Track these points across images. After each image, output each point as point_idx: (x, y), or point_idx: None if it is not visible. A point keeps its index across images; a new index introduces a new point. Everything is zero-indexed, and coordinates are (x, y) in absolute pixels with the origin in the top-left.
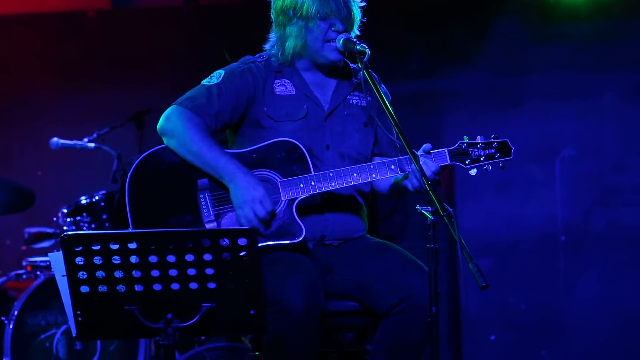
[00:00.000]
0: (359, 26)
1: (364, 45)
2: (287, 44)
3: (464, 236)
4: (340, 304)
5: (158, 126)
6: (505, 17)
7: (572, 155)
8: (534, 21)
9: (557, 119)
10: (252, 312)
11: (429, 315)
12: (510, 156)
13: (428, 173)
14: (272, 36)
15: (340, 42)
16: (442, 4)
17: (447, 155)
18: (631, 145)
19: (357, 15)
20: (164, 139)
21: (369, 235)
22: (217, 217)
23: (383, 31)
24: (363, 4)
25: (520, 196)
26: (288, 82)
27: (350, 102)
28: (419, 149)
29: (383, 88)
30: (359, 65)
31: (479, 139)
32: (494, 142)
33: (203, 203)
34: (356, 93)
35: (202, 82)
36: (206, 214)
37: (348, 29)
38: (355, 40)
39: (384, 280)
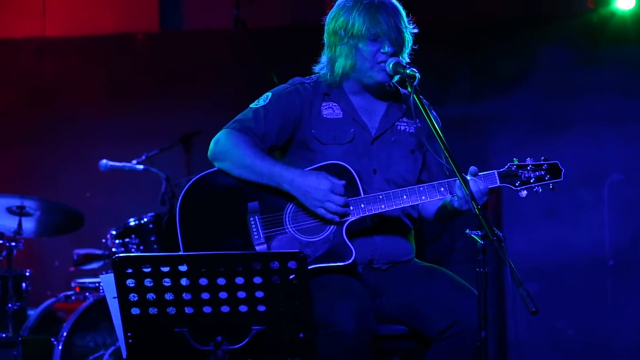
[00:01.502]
0: (410, 53)
1: (414, 69)
2: (337, 63)
3: (512, 260)
4: (389, 327)
5: (209, 152)
6: (552, 40)
7: (620, 179)
8: (581, 45)
9: (605, 143)
10: (301, 335)
11: (479, 340)
12: (561, 178)
13: (475, 190)
14: (323, 58)
15: (390, 65)
16: (489, 27)
17: (497, 177)
18: None
19: (408, 38)
20: (216, 163)
21: (417, 260)
22: (268, 240)
23: (430, 55)
24: (416, 30)
25: (568, 221)
26: (336, 105)
27: (398, 128)
28: (465, 172)
29: (433, 114)
30: (409, 89)
31: (528, 161)
32: (544, 164)
33: (253, 226)
34: (405, 119)
35: (250, 105)
36: (256, 237)
37: (397, 51)
38: (404, 64)
39: (434, 305)
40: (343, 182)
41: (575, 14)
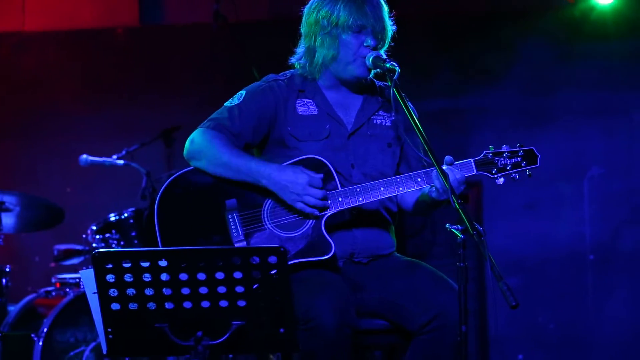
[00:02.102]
0: (387, 50)
1: (394, 63)
2: (317, 54)
3: (492, 255)
4: (369, 322)
5: (185, 152)
6: (532, 35)
7: (600, 173)
8: (561, 40)
9: (585, 137)
10: (282, 330)
11: (459, 334)
12: (537, 164)
13: (452, 180)
14: (300, 49)
15: (370, 59)
16: (470, 22)
17: (474, 166)
18: None
19: (389, 32)
20: (192, 162)
21: (397, 254)
22: (247, 237)
23: (411, 49)
24: (394, 27)
25: (548, 215)
26: (310, 102)
27: (375, 122)
28: (443, 160)
29: (410, 105)
30: (389, 82)
31: (504, 148)
32: (519, 151)
33: (232, 223)
34: (381, 112)
35: (224, 104)
36: (235, 234)
37: (379, 45)
38: (385, 58)
39: (415, 299)
40: (320, 175)
41: (556, 8)
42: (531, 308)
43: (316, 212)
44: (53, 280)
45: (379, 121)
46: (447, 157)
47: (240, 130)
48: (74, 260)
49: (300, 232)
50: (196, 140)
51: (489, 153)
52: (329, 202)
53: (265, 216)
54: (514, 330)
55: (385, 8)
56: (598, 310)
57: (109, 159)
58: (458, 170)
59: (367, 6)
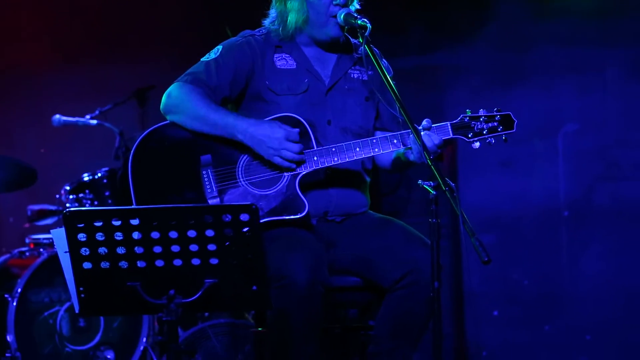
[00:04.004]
0: (360, 1)
1: (365, 19)
2: (288, 18)
3: (467, 212)
4: (343, 279)
5: (161, 106)
6: None
7: (574, 130)
8: None
9: (560, 94)
10: (254, 287)
11: (432, 290)
12: (513, 129)
13: (430, 145)
14: (272, 12)
15: (342, 16)
16: None
17: (450, 129)
18: (633, 120)
19: None
20: (168, 117)
21: (371, 212)
22: (221, 193)
23: (384, 6)
24: None
25: (523, 172)
26: (288, 57)
27: (352, 76)
28: (420, 124)
29: (385, 63)
30: (360, 39)
31: (481, 112)
32: (496, 115)
33: (206, 179)
34: (357, 67)
35: (201, 59)
36: (209, 191)
37: (348, 1)
38: (356, 14)
39: (388, 255)
40: (297, 129)
41: None
42: (506, 264)
43: (293, 166)
44: (27, 240)
45: (355, 75)
46: (425, 122)
47: (217, 84)
48: (48, 221)
49: (274, 190)
50: (173, 94)
51: (465, 117)
52: (305, 158)
53: (240, 173)
54: (489, 287)
55: None
56: (572, 266)
57: (82, 119)
58: (435, 134)
59: None
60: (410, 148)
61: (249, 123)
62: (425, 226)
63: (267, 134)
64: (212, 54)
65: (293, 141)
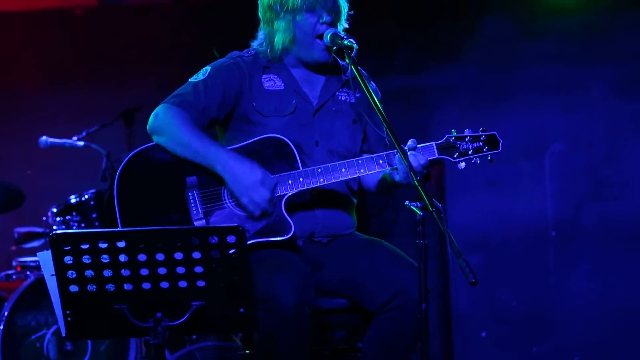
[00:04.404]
0: (347, 19)
1: (352, 40)
2: (275, 39)
3: (454, 232)
4: (330, 301)
5: (148, 126)
6: (492, 12)
7: (561, 149)
8: (520, 16)
9: (546, 113)
10: (242, 310)
11: (420, 312)
12: (499, 149)
13: (415, 165)
14: (260, 34)
15: (328, 37)
16: None
17: (435, 149)
18: (620, 139)
19: (344, 6)
20: (154, 138)
21: (358, 233)
22: (206, 215)
23: (371, 26)
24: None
25: (510, 192)
26: (276, 77)
27: (339, 98)
28: (405, 145)
29: (372, 85)
30: (347, 60)
31: (467, 132)
32: (482, 135)
33: (192, 201)
34: (345, 89)
35: (189, 80)
36: (195, 212)
37: (335, 20)
38: (342, 35)
39: (375, 277)
40: (275, 181)
41: None
42: (494, 285)
43: (257, 213)
44: (14, 263)
45: (343, 97)
46: (410, 142)
47: (205, 105)
48: (35, 243)
49: None
50: (160, 115)
51: (451, 137)
52: (290, 182)
53: (226, 195)
54: (477, 308)
55: None
56: (560, 287)
57: (69, 141)
58: (420, 154)
59: None
60: (397, 168)
61: (229, 156)
62: (413, 247)
63: (244, 172)
64: (201, 75)
65: (268, 188)
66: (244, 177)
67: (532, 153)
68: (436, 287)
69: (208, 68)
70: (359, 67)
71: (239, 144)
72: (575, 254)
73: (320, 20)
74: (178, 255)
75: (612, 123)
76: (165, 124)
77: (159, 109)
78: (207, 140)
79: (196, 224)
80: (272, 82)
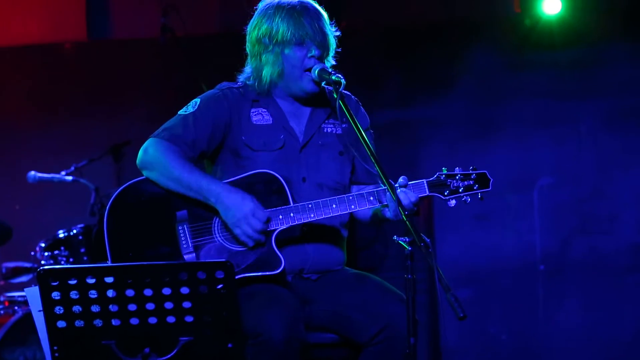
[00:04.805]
0: (334, 56)
1: (340, 75)
2: (263, 72)
3: (443, 266)
4: (319, 336)
5: (137, 160)
6: (481, 45)
7: (550, 183)
8: (509, 49)
9: (535, 147)
10: (230, 345)
11: (408, 347)
12: (489, 187)
13: (406, 202)
14: (247, 68)
15: (316, 72)
16: (419, 31)
17: (426, 187)
18: (608, 173)
19: (333, 42)
20: (144, 172)
21: (347, 268)
22: (196, 249)
23: (360, 60)
24: (338, 33)
25: (499, 226)
26: (265, 111)
27: (325, 130)
28: (396, 179)
29: (362, 110)
30: (335, 95)
31: (457, 171)
32: (472, 174)
33: (182, 235)
34: (331, 120)
35: (178, 112)
36: (185, 246)
37: (324, 54)
38: (330, 70)
39: (363, 311)
40: (267, 213)
41: (503, 18)
42: (483, 319)
43: (250, 243)
44: (1, 298)
45: (329, 129)
46: (401, 180)
47: (195, 138)
48: (23, 278)
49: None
50: (149, 150)
51: (441, 175)
52: (280, 217)
53: (216, 229)
54: (466, 342)
55: (325, 16)
56: (549, 321)
57: (57, 175)
58: (411, 191)
59: (305, 18)
60: (387, 205)
61: (222, 188)
62: (401, 281)
63: (236, 204)
64: (190, 107)
65: (259, 219)
66: (235, 208)
67: (520, 187)
68: (425, 321)
69: (197, 100)
70: (347, 93)
71: (230, 179)
72: (564, 288)
73: (309, 54)
74: (166, 291)
75: (601, 157)
76: (155, 159)
77: (148, 143)
78: (198, 173)
79: (186, 257)
80: (260, 116)
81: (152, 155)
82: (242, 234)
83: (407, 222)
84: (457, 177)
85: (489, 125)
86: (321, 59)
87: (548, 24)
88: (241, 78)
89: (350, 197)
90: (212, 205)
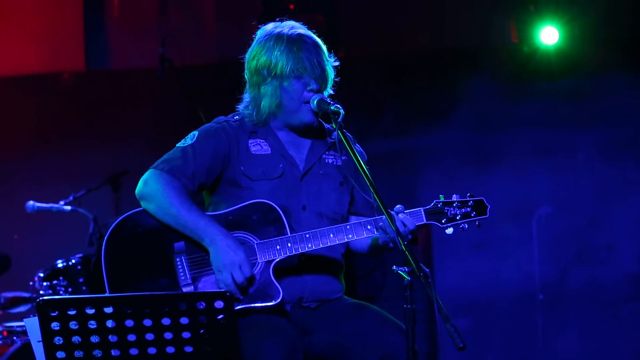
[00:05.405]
0: (333, 85)
1: (338, 105)
2: (262, 103)
3: (442, 295)
4: None
5: (136, 191)
6: (479, 74)
7: (548, 213)
8: (507, 79)
9: (533, 176)
10: None
11: None
12: (487, 214)
13: (403, 231)
14: (246, 97)
15: (315, 102)
16: (416, 62)
17: (423, 215)
18: (606, 202)
19: (331, 74)
20: (142, 203)
21: (346, 297)
22: (194, 281)
23: (359, 89)
24: (337, 63)
25: (498, 255)
26: (263, 142)
27: (326, 161)
28: (393, 209)
29: (358, 147)
30: (334, 125)
31: (454, 198)
32: (469, 201)
33: (180, 266)
34: (332, 152)
35: (177, 145)
36: (183, 278)
37: (322, 87)
38: (329, 100)
39: (363, 341)
40: (252, 271)
41: (501, 48)
42: (482, 348)
43: (233, 290)
44: (0, 328)
45: (330, 160)
46: (398, 207)
47: (195, 170)
48: (21, 308)
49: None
50: (149, 182)
51: (439, 202)
52: (278, 247)
53: None
54: None
55: (324, 48)
56: (547, 350)
57: (56, 205)
58: (408, 218)
59: (303, 53)
60: (385, 230)
61: (219, 231)
62: (401, 310)
63: (228, 251)
64: (189, 140)
65: (243, 273)
66: (226, 255)
67: (519, 216)
68: (424, 351)
69: (196, 133)
70: (344, 130)
71: (227, 209)
72: (562, 317)
73: (308, 88)
74: (165, 321)
75: (598, 187)
76: (154, 192)
77: (148, 175)
78: (195, 212)
79: (184, 289)
80: (259, 147)
81: (151, 187)
82: (222, 280)
83: (406, 253)
84: (454, 205)
85: (487, 154)
86: (319, 91)
87: (546, 53)
88: (240, 106)
89: (348, 227)
90: (205, 246)
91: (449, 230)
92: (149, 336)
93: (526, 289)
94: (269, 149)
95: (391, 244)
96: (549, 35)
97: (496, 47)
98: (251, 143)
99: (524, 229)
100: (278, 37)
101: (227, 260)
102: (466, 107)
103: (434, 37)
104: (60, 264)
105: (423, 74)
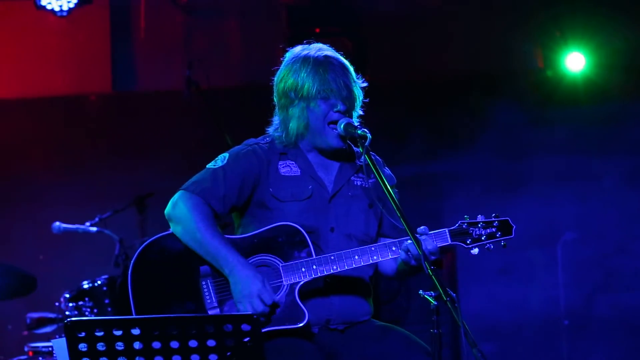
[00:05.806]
0: (361, 106)
1: (365, 129)
2: (290, 125)
3: (466, 320)
4: None
5: (165, 212)
6: (504, 100)
7: (573, 239)
8: (533, 104)
9: (558, 202)
10: None
11: None
12: (512, 234)
13: (425, 249)
14: (276, 119)
15: (342, 126)
16: (442, 87)
17: (448, 236)
18: (632, 229)
19: (359, 94)
20: (171, 225)
21: (374, 320)
22: (220, 304)
23: (385, 113)
24: (365, 84)
25: (523, 280)
26: (293, 164)
27: (355, 183)
28: (417, 229)
29: (387, 171)
30: (361, 149)
31: (479, 219)
32: (495, 221)
33: (206, 290)
34: (360, 175)
35: (207, 166)
36: (209, 301)
37: (349, 109)
38: (356, 124)
39: None
40: (274, 297)
41: (527, 73)
42: None
43: (255, 316)
44: (26, 349)
45: (359, 182)
46: (422, 228)
47: (225, 192)
48: (47, 329)
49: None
50: (179, 205)
51: (464, 223)
52: (303, 270)
53: None
54: None
55: (351, 70)
56: None
57: (82, 226)
58: (432, 240)
59: (329, 74)
60: (409, 251)
61: (237, 261)
62: (424, 334)
63: (246, 281)
64: (219, 162)
65: (263, 301)
66: (244, 286)
67: (544, 241)
68: None
69: (226, 155)
70: (372, 154)
71: (253, 232)
72: (588, 344)
73: (334, 109)
74: (192, 343)
75: (624, 213)
76: (183, 215)
77: (178, 196)
78: (218, 240)
79: (210, 312)
80: (288, 168)
81: (180, 210)
82: (243, 310)
83: (432, 277)
84: (479, 225)
85: (513, 180)
86: (347, 112)
87: (572, 79)
88: (270, 129)
89: (373, 248)
90: (225, 275)
91: (475, 251)
92: (176, 358)
93: (551, 314)
94: (299, 170)
95: (412, 263)
96: (575, 61)
97: (522, 73)
98: (281, 165)
99: (549, 254)
100: (305, 59)
101: (246, 291)
102: (492, 132)
103: (461, 63)
104: (86, 285)
105: (449, 99)
